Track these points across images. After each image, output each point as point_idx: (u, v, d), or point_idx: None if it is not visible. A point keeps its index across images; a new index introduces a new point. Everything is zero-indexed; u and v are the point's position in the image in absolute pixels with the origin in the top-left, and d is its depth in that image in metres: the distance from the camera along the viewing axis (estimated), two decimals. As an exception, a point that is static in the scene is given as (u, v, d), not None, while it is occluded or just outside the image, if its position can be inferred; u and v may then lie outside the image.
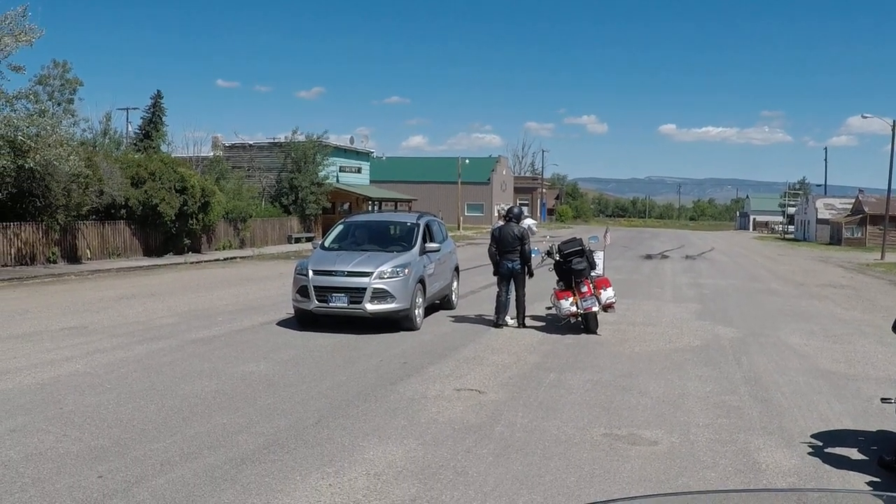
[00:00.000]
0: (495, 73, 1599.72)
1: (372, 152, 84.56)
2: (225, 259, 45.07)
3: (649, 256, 60.28)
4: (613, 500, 4.47)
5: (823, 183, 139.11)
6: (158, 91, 64.37)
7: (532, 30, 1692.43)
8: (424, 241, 22.06)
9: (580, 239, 21.75)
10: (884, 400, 12.23)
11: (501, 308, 21.31)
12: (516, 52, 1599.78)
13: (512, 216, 21.50)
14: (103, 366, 15.44)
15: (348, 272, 19.87)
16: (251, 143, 67.80)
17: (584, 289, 20.33)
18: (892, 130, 71.02)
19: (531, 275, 21.68)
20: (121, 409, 12.29)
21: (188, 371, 15.10)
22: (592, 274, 21.52)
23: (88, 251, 38.89)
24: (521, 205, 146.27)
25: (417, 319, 20.59)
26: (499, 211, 22.26)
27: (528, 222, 22.55)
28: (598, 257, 25.00)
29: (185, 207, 43.34)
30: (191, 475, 9.35)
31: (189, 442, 10.66)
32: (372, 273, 19.73)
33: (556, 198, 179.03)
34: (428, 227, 23.02)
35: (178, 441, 10.69)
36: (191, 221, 44.46)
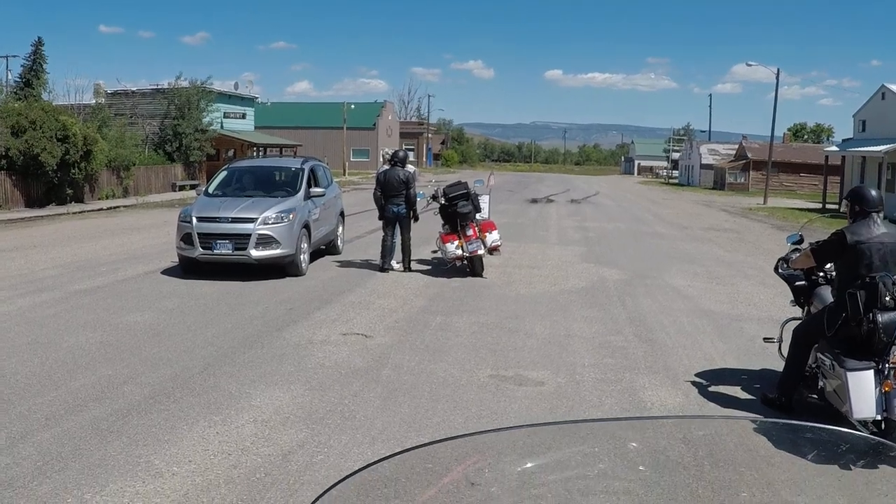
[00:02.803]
0: (381, 18, 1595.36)
1: (256, 98, 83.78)
2: (108, 208, 44.30)
3: (535, 200, 60.72)
4: (490, 430, 4.46)
5: (708, 129, 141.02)
6: (39, 38, 63.00)
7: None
8: (309, 186, 21.90)
9: (465, 182, 21.74)
10: (766, 339, 12.50)
11: (387, 252, 21.30)
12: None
13: (397, 160, 21.44)
14: (-17, 320, 15.10)
15: (232, 218, 19.69)
16: (134, 89, 66.62)
17: (470, 232, 20.37)
18: (776, 78, 72.10)
19: (416, 219, 21.70)
20: (3, 363, 12.02)
21: (72, 323, 14.84)
22: (478, 217, 21.57)
23: (-33, 203, 38.17)
24: (407, 150, 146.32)
25: (303, 265, 20.50)
26: (383, 155, 22.11)
27: (412, 167, 22.54)
28: (484, 201, 25.03)
29: (67, 157, 42.42)
30: (76, 428, 9.21)
31: (74, 395, 10.50)
32: (256, 219, 19.57)
33: (442, 143, 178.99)
34: (313, 171, 22.86)
35: (62, 394, 10.52)
36: (73, 171, 43.53)
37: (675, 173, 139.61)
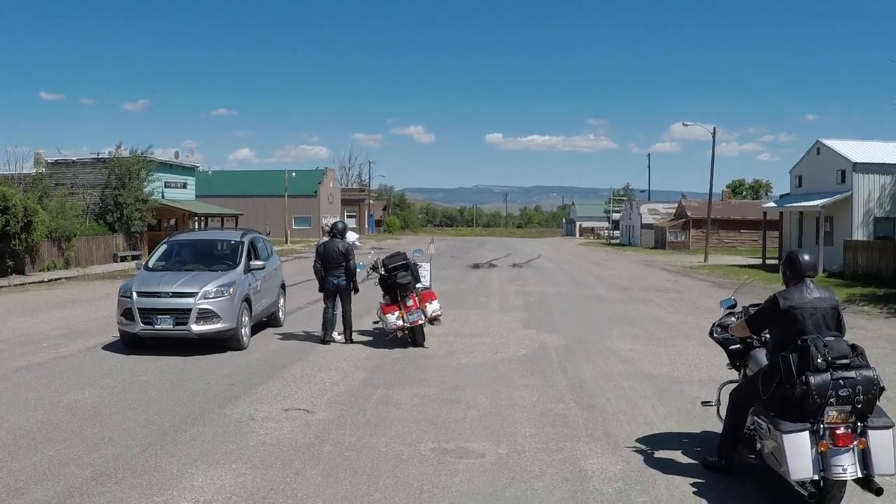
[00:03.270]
0: (321, 83, 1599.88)
1: (198, 166, 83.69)
2: (50, 280, 44.12)
3: (477, 266, 60.75)
4: None
5: (647, 188, 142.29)
6: (-23, 106, 63.00)
7: (358, 39, 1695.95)
8: (249, 258, 21.98)
9: (404, 253, 21.92)
10: (704, 403, 12.70)
11: (328, 324, 21.36)
12: (342, 63, 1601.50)
13: (336, 232, 21.56)
14: (-80, 399, 15.01)
15: (173, 293, 19.67)
16: (74, 159, 66.47)
17: (410, 302, 20.51)
18: (713, 137, 73.05)
19: (356, 290, 21.80)
20: (-59, 444, 12.04)
21: (13, 402, 14.79)
22: (418, 286, 21.71)
23: None
24: (349, 216, 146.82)
25: (244, 339, 20.51)
26: (323, 227, 22.22)
27: (351, 237, 22.68)
28: (425, 269, 25.17)
29: (7, 228, 42.28)
30: (17, 511, 9.24)
31: (15, 477, 10.50)
32: (197, 293, 19.56)
33: (384, 209, 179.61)
34: (252, 244, 22.96)
35: (3, 476, 10.51)
36: (13, 242, 43.38)
37: (617, 233, 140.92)
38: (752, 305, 11.37)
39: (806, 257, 10.19)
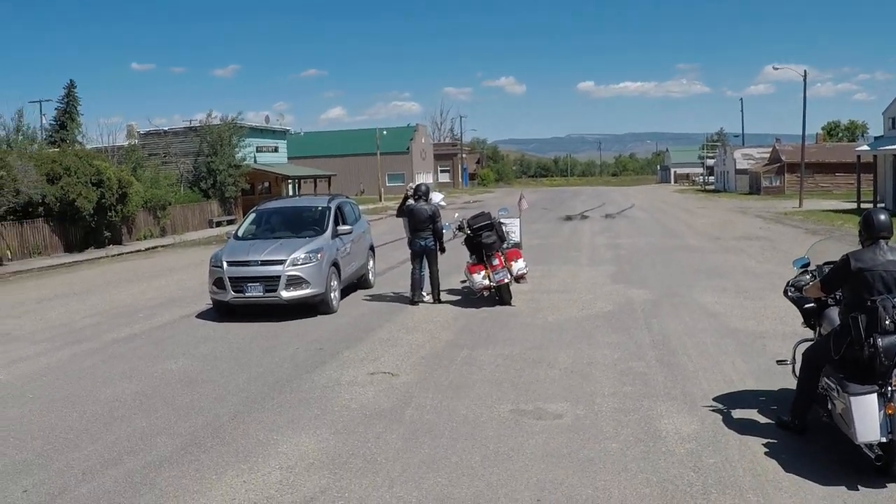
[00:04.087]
0: (411, 39, 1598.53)
1: (288, 129, 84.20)
2: (147, 249, 44.77)
3: (569, 218, 60.62)
4: None
5: (741, 133, 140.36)
6: (71, 81, 63.95)
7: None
8: (336, 223, 22.27)
9: (488, 213, 22.05)
10: (779, 362, 12.57)
11: (416, 285, 21.68)
12: (430, 17, 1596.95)
13: (420, 194, 21.78)
14: (26, 375, 15.49)
15: (262, 261, 20.07)
16: (166, 129, 67.25)
17: (496, 262, 20.68)
18: (804, 80, 71.92)
19: (443, 251, 22.03)
20: (43, 419, 12.43)
21: (109, 374, 15.21)
22: (510, 242, 21.88)
23: (9, 252, 38.45)
24: (442, 171, 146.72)
25: (334, 303, 20.82)
26: (407, 190, 22.34)
27: (436, 198, 22.83)
28: (514, 225, 25.35)
29: (103, 200, 42.90)
30: (111, 482, 9.58)
31: (110, 448, 10.87)
32: (285, 260, 19.92)
33: (477, 162, 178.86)
34: (339, 209, 23.23)
35: (99, 448, 10.89)
36: (110, 214, 44.05)
37: (711, 179, 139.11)
38: (826, 264, 11.17)
39: (882, 217, 9.94)
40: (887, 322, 9.09)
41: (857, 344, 9.26)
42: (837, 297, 10.79)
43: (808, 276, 11.57)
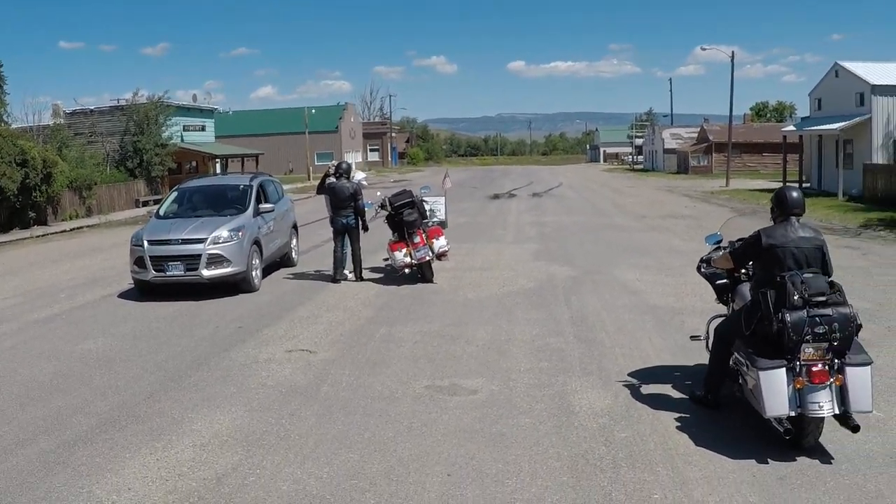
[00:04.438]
0: (343, 19, 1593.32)
1: (216, 108, 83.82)
2: (72, 230, 44.27)
3: (496, 196, 60.94)
4: None
5: (670, 113, 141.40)
6: (-2, 59, 63.11)
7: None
8: (258, 201, 22.22)
9: (410, 191, 22.11)
10: (693, 338, 12.78)
11: (338, 263, 21.67)
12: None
13: (341, 172, 21.78)
14: (-59, 356, 15.32)
15: (182, 240, 19.99)
16: (92, 108, 66.56)
17: (417, 239, 20.73)
18: (731, 60, 72.67)
19: (366, 229, 22.04)
20: (-41, 399, 12.35)
21: (28, 354, 15.11)
22: (435, 220, 21.97)
23: (-71, 232, 38.09)
24: (371, 150, 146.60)
25: (255, 281, 20.82)
26: (329, 168, 22.38)
27: (358, 176, 22.85)
28: (440, 203, 25.44)
29: (27, 180, 42.41)
30: (24, 462, 9.53)
31: (24, 428, 10.81)
32: (206, 239, 19.86)
33: (407, 141, 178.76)
34: (262, 187, 23.18)
35: (13, 428, 10.84)
36: (34, 194, 43.55)
37: (640, 159, 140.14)
38: (739, 240, 11.12)
39: (794, 194, 10.08)
40: (796, 297, 9.18)
41: (766, 319, 9.34)
42: (750, 273, 10.95)
43: (720, 253, 11.68)
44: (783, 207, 10.01)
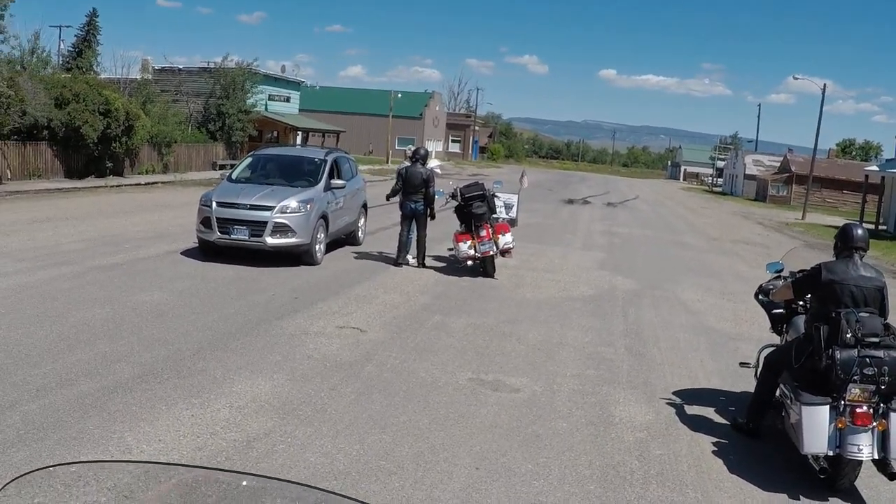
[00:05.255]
0: (439, 7, 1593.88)
1: (303, 81, 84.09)
2: (146, 184, 44.63)
3: (571, 201, 60.74)
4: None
5: (755, 139, 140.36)
6: (94, 9, 63.99)
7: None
8: (331, 177, 22.21)
9: (481, 183, 22.10)
10: (742, 364, 12.71)
11: (402, 247, 21.70)
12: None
13: (418, 157, 21.80)
14: (1, 290, 15.49)
15: (251, 205, 20.07)
16: (181, 67, 67.00)
17: (483, 233, 20.66)
18: (822, 93, 71.96)
19: (433, 217, 22.05)
20: (10, 334, 12.43)
21: (83, 298, 15.23)
22: (505, 217, 21.94)
23: (9, 171, 38.29)
24: (453, 141, 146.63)
25: (318, 255, 20.85)
26: (406, 151, 22.46)
27: (432, 164, 22.86)
28: (513, 200, 25.37)
29: (109, 130, 42.68)
30: (62, 402, 9.62)
31: (69, 369, 10.91)
32: (274, 207, 19.92)
33: (490, 136, 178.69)
34: (336, 163, 23.18)
35: (57, 368, 10.92)
36: (114, 145, 43.84)
37: (720, 181, 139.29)
38: (800, 271, 11.00)
39: (859, 231, 9.98)
40: (848, 335, 9.06)
41: (816, 354, 9.23)
42: (807, 306, 10.79)
43: (780, 282, 11.56)
44: (846, 242, 9.91)
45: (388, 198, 22.32)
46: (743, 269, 28.66)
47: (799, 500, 8.86)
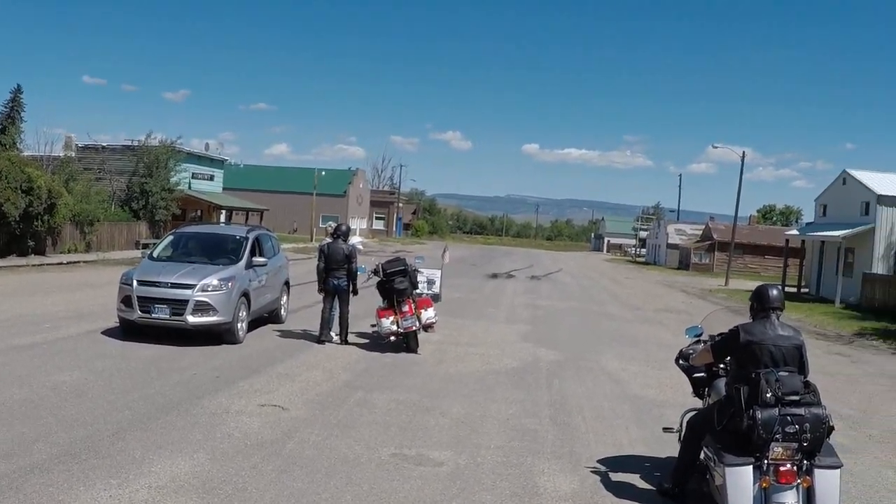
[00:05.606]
0: (362, 85, 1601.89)
1: (227, 159, 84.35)
2: (68, 263, 44.37)
3: (495, 276, 60.87)
4: None
5: (677, 209, 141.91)
6: (18, 85, 63.44)
7: (400, 45, 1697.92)
8: (252, 254, 22.18)
9: (403, 259, 22.11)
10: (665, 430, 12.71)
11: (325, 324, 21.61)
12: (384, 66, 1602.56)
13: (339, 233, 21.81)
14: (-83, 372, 15.21)
15: (172, 284, 19.91)
16: (104, 144, 67.06)
17: (405, 308, 20.63)
18: (741, 161, 73.09)
19: (356, 292, 21.97)
20: (-76, 416, 12.29)
21: (1, 378, 15.04)
22: (429, 293, 21.98)
23: (-75, 249, 38.08)
24: (377, 218, 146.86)
25: (240, 333, 20.71)
26: (327, 228, 22.54)
27: (354, 240, 22.89)
28: (436, 276, 25.40)
29: (31, 208, 42.57)
30: (-23, 484, 9.49)
31: (-16, 450, 10.77)
32: (195, 285, 19.80)
33: (414, 213, 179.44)
34: (258, 240, 23.14)
35: (-27, 449, 10.78)
36: (36, 223, 43.71)
37: (643, 252, 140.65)
38: (719, 334, 11.13)
39: (774, 292, 10.12)
40: (768, 395, 9.14)
41: (738, 415, 9.29)
42: (728, 368, 10.87)
43: (700, 346, 11.65)
44: (763, 303, 10.03)
45: (319, 290, 22.19)
46: (667, 336, 28.86)
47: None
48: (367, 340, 22.36)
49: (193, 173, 70.41)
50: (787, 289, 59.15)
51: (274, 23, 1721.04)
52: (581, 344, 25.41)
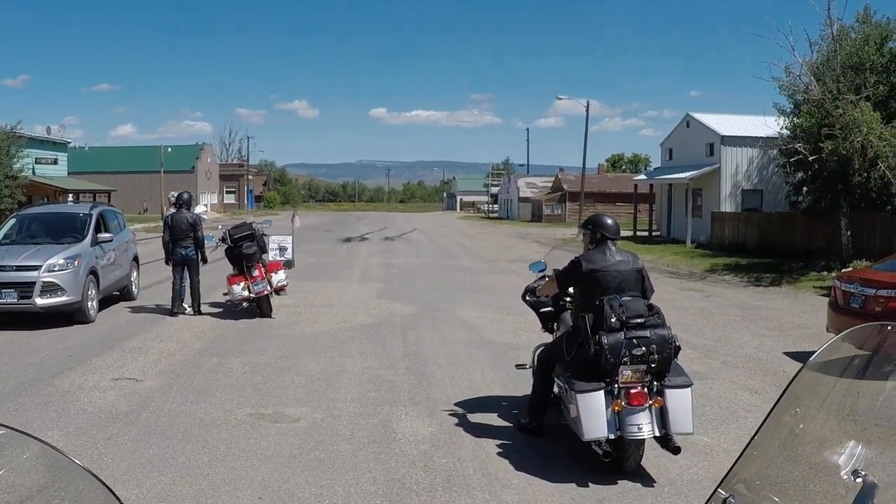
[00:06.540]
0: (204, 60, 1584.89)
1: (69, 142, 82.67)
2: (-90, 259, 43.41)
3: (348, 239, 60.80)
4: None
5: (526, 163, 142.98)
6: None
7: (239, 16, 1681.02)
8: (97, 231, 21.86)
9: (250, 223, 22.10)
10: (518, 366, 12.87)
11: (177, 296, 21.44)
12: (224, 40, 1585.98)
13: (182, 202, 21.70)
14: None
15: (17, 266, 19.51)
16: (-60, 136, 65.46)
17: (256, 273, 20.61)
18: (587, 111, 73.88)
19: (205, 261, 21.92)
20: None
21: None
22: (281, 258, 21.95)
23: None
24: (228, 192, 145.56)
25: (91, 312, 20.39)
26: (169, 198, 22.38)
27: (198, 209, 22.72)
28: (288, 242, 25.37)
29: None
30: None
31: None
32: (41, 266, 19.43)
33: (264, 184, 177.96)
34: (102, 217, 22.85)
35: None
36: None
37: (496, 207, 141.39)
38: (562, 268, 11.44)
39: (609, 220, 10.35)
40: (613, 320, 9.31)
41: (585, 343, 9.41)
42: (574, 300, 11.02)
43: (544, 281, 11.80)
44: (602, 230, 10.24)
45: (167, 262, 22.06)
46: (521, 284, 28.69)
47: (587, 486, 9.03)
48: (220, 309, 22.28)
49: (36, 158, 68.92)
50: (638, 233, 60.55)
51: (110, 4, 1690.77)
52: (436, 297, 25.61)
